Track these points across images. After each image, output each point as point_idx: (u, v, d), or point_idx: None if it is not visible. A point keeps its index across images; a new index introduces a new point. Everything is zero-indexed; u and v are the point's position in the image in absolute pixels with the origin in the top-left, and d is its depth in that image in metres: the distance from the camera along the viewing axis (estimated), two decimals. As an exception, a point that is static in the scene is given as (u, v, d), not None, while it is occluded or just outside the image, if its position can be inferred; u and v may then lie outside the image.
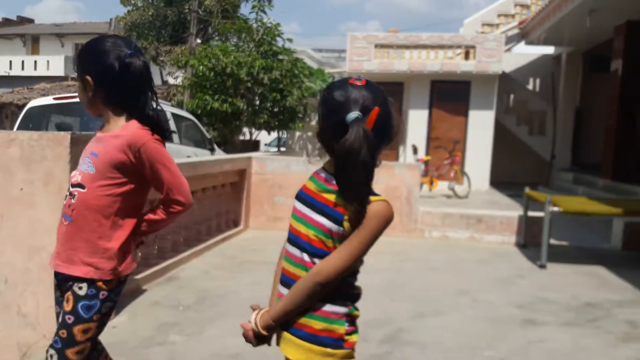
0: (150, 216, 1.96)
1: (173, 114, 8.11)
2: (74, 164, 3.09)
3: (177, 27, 18.45)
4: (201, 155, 8.17)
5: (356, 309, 1.56)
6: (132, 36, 17.93)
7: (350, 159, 1.38)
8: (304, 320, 1.48)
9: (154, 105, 1.90)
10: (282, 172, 6.92)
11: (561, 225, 7.26)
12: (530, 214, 6.38)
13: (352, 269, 1.49)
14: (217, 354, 3.11)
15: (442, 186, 11.76)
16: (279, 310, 1.49)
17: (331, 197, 1.48)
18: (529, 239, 6.30)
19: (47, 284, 3.11)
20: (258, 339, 1.56)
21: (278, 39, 12.43)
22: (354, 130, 1.39)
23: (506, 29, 15.49)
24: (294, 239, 1.54)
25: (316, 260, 1.47)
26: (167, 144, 7.00)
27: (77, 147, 3.10)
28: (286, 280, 1.54)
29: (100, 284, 1.86)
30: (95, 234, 1.84)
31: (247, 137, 14.83)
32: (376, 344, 3.33)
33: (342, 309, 1.51)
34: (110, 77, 1.82)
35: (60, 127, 6.73)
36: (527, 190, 6.38)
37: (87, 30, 32.89)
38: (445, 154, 12.28)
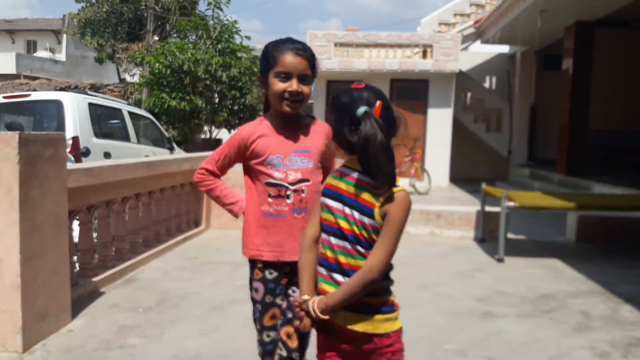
0: None
1: (130, 113, 7.95)
2: (23, 165, 2.99)
3: (134, 24, 18.08)
4: (160, 154, 8.03)
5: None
6: (87, 33, 17.49)
7: (370, 145, 1.57)
8: (363, 299, 1.66)
9: None
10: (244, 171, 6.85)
11: (519, 220, 7.46)
12: (488, 209, 6.51)
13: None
14: (177, 356, 3.07)
15: (403, 183, 11.89)
16: (338, 300, 1.63)
17: (365, 195, 1.65)
18: (487, 234, 6.43)
19: (-2, 288, 3.00)
20: (314, 321, 1.69)
21: (236, 36, 12.32)
22: (367, 120, 1.60)
23: (462, 28, 15.79)
24: (337, 232, 1.69)
25: (366, 250, 1.66)
26: (124, 144, 6.89)
27: (26, 147, 3.00)
28: (347, 271, 1.67)
29: None
30: None
31: (208, 136, 14.66)
32: (339, 341, 3.34)
33: (386, 282, 1.74)
34: None
35: (10, 127, 6.50)
36: (484, 186, 6.52)
37: (40, 26, 31.93)
38: (406, 151, 12.42)
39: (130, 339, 3.30)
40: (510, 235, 6.48)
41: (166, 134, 9.49)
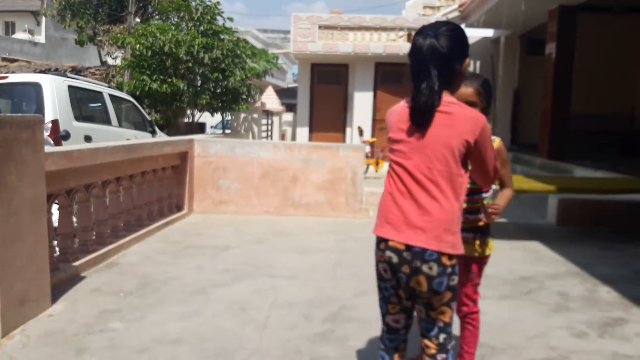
0: None
1: (111, 96, 7.85)
2: (-1, 147, 2.94)
3: (115, 6, 17.72)
4: (142, 138, 7.95)
5: None
6: (67, 15, 17.11)
7: None
8: None
9: None
10: (226, 154, 6.82)
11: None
12: (470, 192, 6.54)
13: None
14: (158, 340, 3.06)
15: (387, 167, 11.91)
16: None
17: None
18: (469, 217, 6.47)
19: None
20: None
21: (218, 18, 12.15)
22: None
23: (447, 11, 15.74)
24: None
25: None
26: (105, 127, 6.80)
27: (1, 130, 2.95)
28: None
29: None
30: None
31: (191, 119, 14.52)
32: (319, 323, 3.36)
33: None
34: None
35: (-13, 110, 6.39)
36: (467, 169, 6.55)
37: (18, 7, 31.23)
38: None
39: (111, 323, 3.29)
40: (492, 219, 6.52)
41: (148, 117, 9.39)
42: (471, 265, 2.57)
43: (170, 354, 2.91)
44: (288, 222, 6.47)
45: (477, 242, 2.59)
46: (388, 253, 1.97)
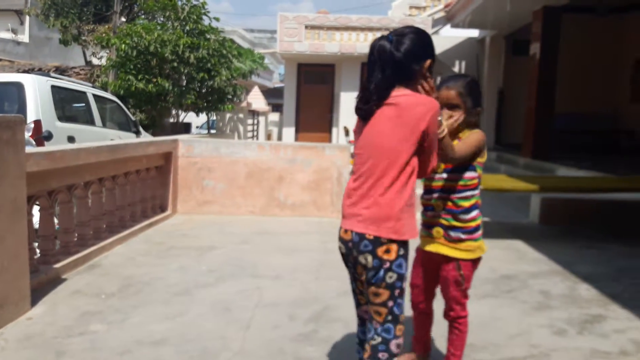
0: None
1: (95, 96, 7.79)
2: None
3: (100, 5, 17.58)
4: (126, 138, 7.90)
5: None
6: (51, 14, 16.94)
7: None
8: None
9: None
10: (211, 154, 6.80)
11: (483, 202, 7.55)
12: (455, 192, 6.58)
13: None
14: (140, 341, 3.04)
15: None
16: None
17: None
18: (453, 216, 6.50)
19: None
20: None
21: (205, 17, 12.11)
22: None
23: (433, 11, 15.84)
24: None
25: None
26: (88, 128, 6.76)
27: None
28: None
29: None
30: None
31: (176, 119, 14.45)
32: (303, 323, 3.36)
33: None
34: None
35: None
36: (451, 169, 6.58)
37: (0, 6, 30.83)
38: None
39: (92, 325, 3.26)
40: (476, 218, 6.56)
41: (132, 117, 9.33)
42: (462, 268, 2.52)
43: (153, 355, 2.90)
44: (273, 222, 6.46)
45: (470, 244, 2.54)
46: (339, 244, 2.13)
